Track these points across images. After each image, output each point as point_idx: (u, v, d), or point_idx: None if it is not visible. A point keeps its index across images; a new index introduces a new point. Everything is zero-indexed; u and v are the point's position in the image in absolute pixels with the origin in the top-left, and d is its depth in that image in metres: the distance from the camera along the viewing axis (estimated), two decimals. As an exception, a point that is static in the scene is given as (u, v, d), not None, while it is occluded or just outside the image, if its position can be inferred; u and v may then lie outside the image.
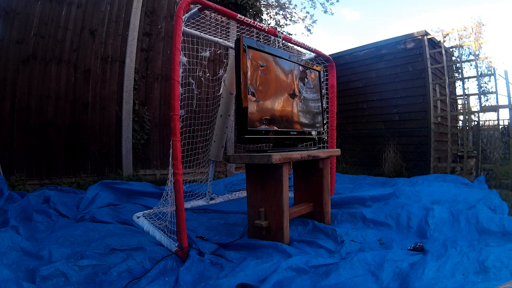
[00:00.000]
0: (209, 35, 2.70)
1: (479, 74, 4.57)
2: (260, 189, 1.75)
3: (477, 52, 5.15)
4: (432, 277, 1.23)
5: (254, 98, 1.73)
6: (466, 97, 4.67)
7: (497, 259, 1.32)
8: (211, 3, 1.73)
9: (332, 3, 9.46)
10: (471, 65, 8.20)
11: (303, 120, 2.13)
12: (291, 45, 3.10)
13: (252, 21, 2.00)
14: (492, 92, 4.54)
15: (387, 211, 2.12)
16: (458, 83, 5.27)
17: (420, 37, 4.75)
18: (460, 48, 4.75)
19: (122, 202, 2.63)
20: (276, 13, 9.00)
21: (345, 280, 1.26)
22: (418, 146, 4.70)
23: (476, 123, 4.79)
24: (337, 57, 5.49)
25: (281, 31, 5.08)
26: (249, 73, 1.70)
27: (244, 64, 1.67)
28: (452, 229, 1.85)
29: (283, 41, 2.36)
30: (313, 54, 2.81)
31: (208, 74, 3.80)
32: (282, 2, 8.91)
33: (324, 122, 2.37)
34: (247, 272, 1.31)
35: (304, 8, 22.65)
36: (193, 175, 3.14)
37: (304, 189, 2.17)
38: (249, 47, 1.73)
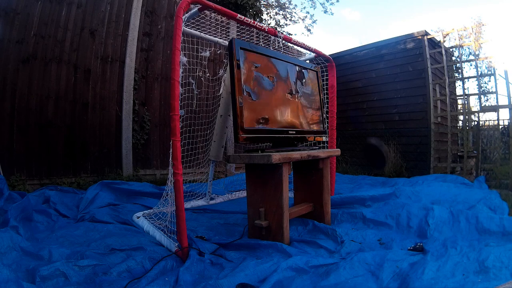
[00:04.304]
0: (209, 35, 2.70)
1: (479, 74, 4.57)
2: (260, 189, 1.75)
3: (477, 52, 5.14)
4: (432, 277, 1.23)
5: (250, 98, 1.73)
6: (466, 97, 4.67)
7: (497, 259, 1.32)
8: (211, 3, 1.73)
9: (332, 3, 9.47)
10: (471, 65, 8.20)
11: (302, 119, 2.13)
12: (291, 45, 3.10)
13: (252, 21, 2.00)
14: (492, 92, 4.54)
15: (387, 211, 2.13)
16: (458, 83, 5.27)
17: (420, 37, 4.75)
18: (460, 48, 4.75)
19: (122, 202, 2.63)
20: (276, 13, 9.00)
21: (345, 280, 1.26)
22: (418, 146, 4.70)
23: (476, 123, 4.78)
24: (337, 57, 5.48)
25: (281, 31, 5.08)
26: (244, 74, 1.71)
27: (238, 65, 1.68)
28: (452, 229, 1.85)
29: (283, 41, 2.36)
30: (313, 54, 2.82)
31: (208, 74, 3.80)
32: (282, 2, 8.91)
33: (324, 122, 2.37)
34: (247, 272, 1.31)
35: (304, 8, 22.65)
36: (193, 175, 3.14)
37: (304, 189, 2.17)
38: (242, 48, 1.73)
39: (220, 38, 2.78)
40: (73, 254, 1.47)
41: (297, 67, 2.15)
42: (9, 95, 2.88)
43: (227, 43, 2.82)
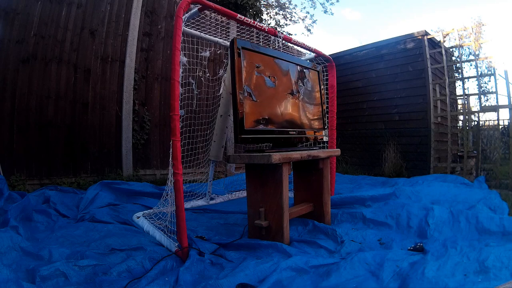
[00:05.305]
0: (209, 35, 2.70)
1: (479, 74, 4.57)
2: (260, 189, 1.75)
3: (477, 52, 5.15)
4: (433, 277, 1.23)
5: (251, 99, 1.73)
6: (466, 97, 4.67)
7: (497, 259, 1.32)
8: (211, 3, 1.73)
9: (332, 3, 9.48)
10: (471, 65, 8.20)
11: (303, 120, 2.13)
12: (291, 45, 3.10)
13: (252, 21, 2.00)
14: (492, 92, 4.54)
15: (387, 211, 2.12)
16: (458, 83, 5.27)
17: (420, 37, 4.75)
18: (460, 48, 4.75)
19: (122, 202, 2.63)
20: (276, 13, 9.01)
21: (346, 281, 1.26)
22: (418, 146, 4.70)
23: (476, 123, 4.78)
24: (337, 57, 5.49)
25: (281, 31, 5.08)
26: (245, 74, 1.71)
27: (239, 65, 1.68)
28: (452, 229, 1.85)
29: (283, 41, 2.36)
30: (313, 54, 2.82)
31: (208, 74, 3.81)
32: (282, 2, 8.92)
33: (324, 122, 2.36)
34: (247, 272, 1.31)
35: (304, 8, 22.65)
36: (193, 175, 3.14)
37: (304, 189, 2.17)
38: (244, 48, 1.73)
39: (220, 38, 2.78)
40: (73, 254, 1.47)
41: (298, 67, 2.14)
42: (9, 95, 2.88)
43: (227, 43, 2.83)
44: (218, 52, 4.45)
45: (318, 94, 2.31)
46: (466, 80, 4.97)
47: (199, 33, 2.55)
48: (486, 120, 6.77)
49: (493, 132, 5.62)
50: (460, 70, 4.95)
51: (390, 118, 5.08)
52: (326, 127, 2.37)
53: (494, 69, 4.76)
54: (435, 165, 4.48)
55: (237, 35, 3.46)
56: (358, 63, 5.54)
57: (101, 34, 3.49)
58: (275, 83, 1.92)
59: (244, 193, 3.00)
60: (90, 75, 3.40)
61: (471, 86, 15.85)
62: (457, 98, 5.53)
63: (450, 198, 2.57)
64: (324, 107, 2.38)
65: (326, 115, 2.75)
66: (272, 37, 2.33)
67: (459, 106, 6.09)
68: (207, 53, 2.71)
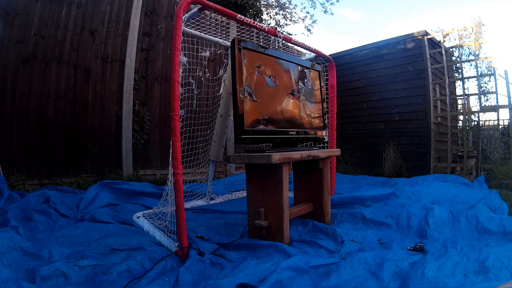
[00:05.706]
0: (209, 35, 2.70)
1: (479, 74, 4.57)
2: (260, 189, 1.75)
3: (477, 52, 5.14)
4: (433, 277, 1.23)
5: (251, 99, 1.73)
6: (466, 97, 4.67)
7: (497, 259, 1.32)
8: (211, 3, 1.73)
9: (332, 3, 9.49)
10: (471, 65, 8.21)
11: (303, 120, 2.13)
12: (291, 45, 3.10)
13: (252, 21, 2.00)
14: (492, 92, 4.54)
15: (387, 211, 2.12)
16: (458, 83, 5.27)
17: (420, 37, 4.75)
18: (460, 48, 4.75)
19: (122, 202, 2.63)
20: (276, 13, 9.01)
21: (346, 281, 1.26)
22: (418, 146, 4.70)
23: (476, 123, 4.78)
24: (337, 57, 5.48)
25: (281, 31, 5.08)
26: (245, 74, 1.71)
27: (240, 65, 1.68)
28: (452, 229, 1.85)
29: (283, 41, 2.36)
30: (313, 54, 2.82)
31: (208, 74, 3.81)
32: (282, 2, 8.92)
33: (325, 122, 2.36)
34: (247, 272, 1.31)
35: (304, 8, 22.66)
36: (193, 175, 3.15)
37: (304, 189, 2.17)
38: (245, 48, 1.73)
39: (220, 38, 2.78)
40: (73, 254, 1.47)
41: (299, 66, 2.14)
42: (9, 95, 2.88)
43: (227, 43, 2.83)
44: (218, 52, 4.45)
45: (318, 94, 2.31)
46: (466, 80, 4.97)
47: (199, 33, 2.55)
48: (486, 120, 6.77)
49: (493, 132, 5.62)
50: (460, 70, 4.95)
51: (390, 118, 5.08)
52: (326, 127, 2.37)
53: (494, 69, 4.76)
54: (435, 165, 4.48)
55: (237, 35, 3.46)
56: (358, 63, 5.54)
57: (101, 34, 3.49)
58: (276, 83, 1.92)
59: (244, 193, 3.00)
60: (90, 75, 3.40)
61: (471, 86, 15.85)
62: (457, 98, 5.53)
63: (450, 198, 2.57)
64: (325, 107, 2.38)
65: (327, 115, 2.75)
66: (272, 37, 2.33)
67: (459, 106, 6.08)
68: (207, 53, 2.71)
